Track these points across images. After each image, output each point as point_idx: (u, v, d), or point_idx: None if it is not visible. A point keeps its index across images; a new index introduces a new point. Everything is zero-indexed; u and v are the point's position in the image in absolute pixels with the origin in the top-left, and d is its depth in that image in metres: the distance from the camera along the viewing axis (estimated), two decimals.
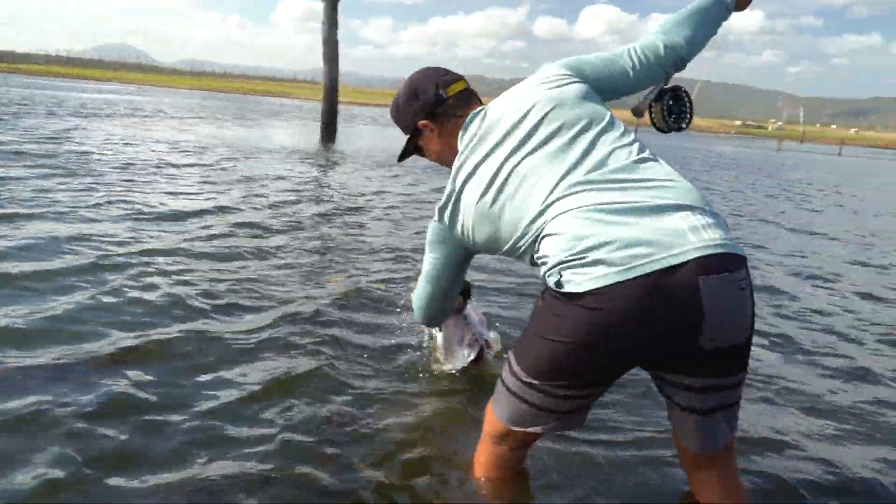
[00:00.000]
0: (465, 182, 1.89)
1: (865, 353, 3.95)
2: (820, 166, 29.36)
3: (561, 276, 1.65)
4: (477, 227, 1.89)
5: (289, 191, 8.43)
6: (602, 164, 1.75)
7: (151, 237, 5.12)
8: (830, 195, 15.48)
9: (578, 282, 1.60)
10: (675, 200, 1.65)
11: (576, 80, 1.92)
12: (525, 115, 1.85)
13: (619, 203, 1.65)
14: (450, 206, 1.94)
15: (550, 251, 1.70)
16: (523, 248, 1.82)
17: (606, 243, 1.60)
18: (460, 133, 1.94)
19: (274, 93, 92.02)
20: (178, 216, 6.01)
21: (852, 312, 4.89)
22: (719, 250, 1.56)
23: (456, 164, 1.92)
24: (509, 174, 1.82)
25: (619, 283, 1.55)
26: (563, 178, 1.75)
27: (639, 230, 1.59)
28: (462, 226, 1.93)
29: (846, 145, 67.24)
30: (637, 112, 2.15)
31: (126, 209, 6.09)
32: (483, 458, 2.04)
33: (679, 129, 2.16)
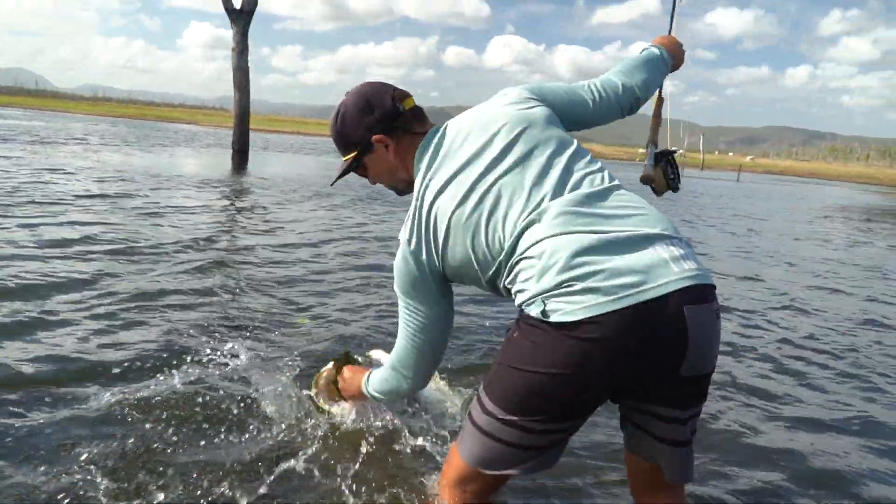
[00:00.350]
0: (434, 198, 1.80)
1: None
2: (724, 192, 30.67)
3: (546, 305, 1.61)
4: (452, 242, 1.80)
5: (211, 223, 8.17)
6: (578, 187, 1.74)
7: (85, 278, 4.75)
8: (744, 219, 16.14)
9: (568, 311, 1.57)
10: (653, 229, 1.66)
11: (541, 104, 1.91)
12: (496, 133, 1.81)
13: (604, 231, 1.64)
14: (417, 227, 1.84)
15: (532, 278, 1.65)
16: (500, 268, 1.75)
17: (596, 272, 1.58)
18: (419, 150, 1.88)
19: (182, 119, 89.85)
20: (108, 254, 5.64)
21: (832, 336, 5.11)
22: (698, 281, 1.61)
23: (419, 182, 1.85)
24: (488, 189, 1.76)
25: (611, 312, 1.54)
26: (542, 199, 1.71)
27: (625, 260, 1.59)
28: (434, 244, 1.83)
29: (743, 171, 70.66)
30: (647, 179, 2.19)
31: (51, 246, 5.66)
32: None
33: (676, 190, 2.25)
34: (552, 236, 1.65)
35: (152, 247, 6.20)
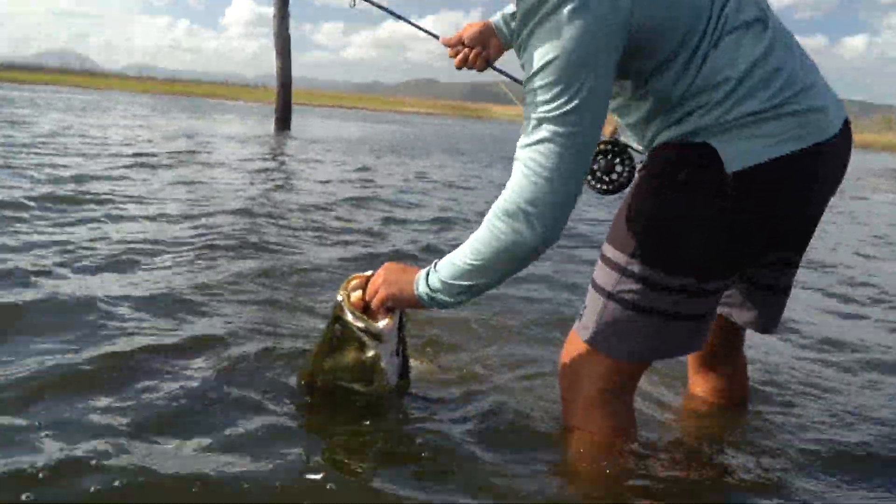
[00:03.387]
0: None
1: None
2: None
3: (751, 132, 1.36)
4: None
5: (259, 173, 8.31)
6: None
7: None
8: None
9: (787, 137, 1.37)
10: None
11: None
12: None
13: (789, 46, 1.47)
14: None
15: (729, 96, 1.36)
16: (700, 26, 1.36)
17: (796, 95, 1.39)
18: None
19: (227, 96, 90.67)
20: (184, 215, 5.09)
21: None
22: None
23: None
24: None
25: (815, 145, 1.40)
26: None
27: (817, 83, 1.46)
28: None
29: None
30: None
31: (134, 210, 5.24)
32: (615, 421, 1.65)
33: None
34: (760, 45, 1.39)
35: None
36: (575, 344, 1.62)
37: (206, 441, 1.72)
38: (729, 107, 1.36)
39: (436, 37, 2.17)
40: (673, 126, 1.44)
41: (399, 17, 2.34)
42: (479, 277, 1.47)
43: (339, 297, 1.76)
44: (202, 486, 1.49)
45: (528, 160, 1.35)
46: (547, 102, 1.31)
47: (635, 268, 1.47)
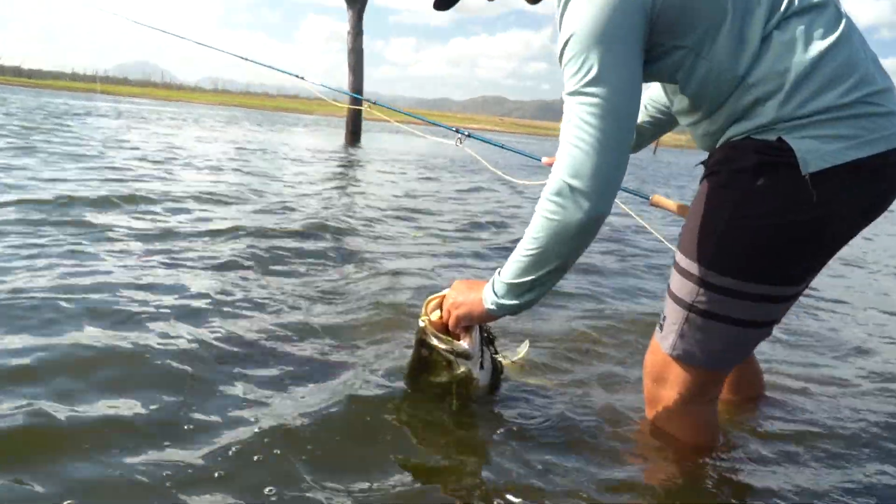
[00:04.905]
0: None
1: None
2: None
3: (828, 131, 1.29)
4: None
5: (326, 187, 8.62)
6: None
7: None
8: None
9: (866, 140, 1.30)
10: None
11: None
12: None
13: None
14: None
15: (800, 87, 1.30)
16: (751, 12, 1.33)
17: (873, 96, 1.33)
18: None
19: (299, 109, 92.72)
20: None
21: None
22: None
23: None
24: None
25: (889, 150, 1.33)
26: None
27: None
28: None
29: None
30: None
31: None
32: (697, 430, 1.69)
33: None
34: (821, 33, 1.32)
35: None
36: (657, 353, 1.61)
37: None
38: (803, 99, 1.30)
39: (538, 159, 2.39)
40: (743, 119, 1.38)
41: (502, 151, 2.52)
42: (540, 268, 1.44)
43: (421, 323, 1.78)
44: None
45: (567, 135, 1.35)
46: (573, 75, 1.33)
47: (713, 279, 1.43)
